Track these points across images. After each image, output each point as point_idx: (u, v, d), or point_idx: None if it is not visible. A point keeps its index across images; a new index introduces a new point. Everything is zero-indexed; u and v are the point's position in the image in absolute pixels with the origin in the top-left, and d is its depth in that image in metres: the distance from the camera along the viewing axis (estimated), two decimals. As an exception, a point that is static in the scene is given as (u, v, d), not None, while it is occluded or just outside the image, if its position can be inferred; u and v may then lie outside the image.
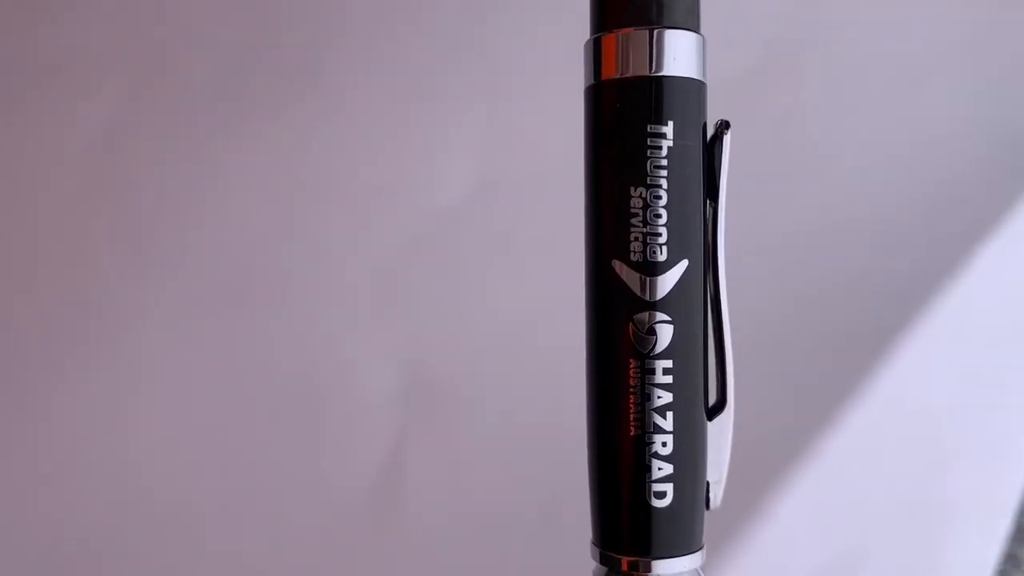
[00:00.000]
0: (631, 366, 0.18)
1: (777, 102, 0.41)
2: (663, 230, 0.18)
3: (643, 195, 0.18)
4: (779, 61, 0.41)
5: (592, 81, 0.19)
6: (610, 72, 0.19)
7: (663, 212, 0.18)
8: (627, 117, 0.18)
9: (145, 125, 0.39)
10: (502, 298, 0.40)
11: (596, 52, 0.19)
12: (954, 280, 0.43)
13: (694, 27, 0.19)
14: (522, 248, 0.40)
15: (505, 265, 0.40)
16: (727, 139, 0.19)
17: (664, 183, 0.19)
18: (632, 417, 0.18)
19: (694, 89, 0.19)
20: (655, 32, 0.19)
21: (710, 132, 0.19)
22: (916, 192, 0.43)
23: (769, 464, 0.42)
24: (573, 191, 0.41)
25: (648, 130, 0.18)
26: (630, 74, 0.19)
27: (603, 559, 0.19)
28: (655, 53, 0.19)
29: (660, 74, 0.19)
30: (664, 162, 0.19)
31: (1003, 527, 0.46)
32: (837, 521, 0.43)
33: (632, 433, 0.18)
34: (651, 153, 0.18)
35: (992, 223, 0.43)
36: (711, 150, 0.19)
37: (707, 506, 0.19)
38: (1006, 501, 0.45)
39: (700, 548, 0.19)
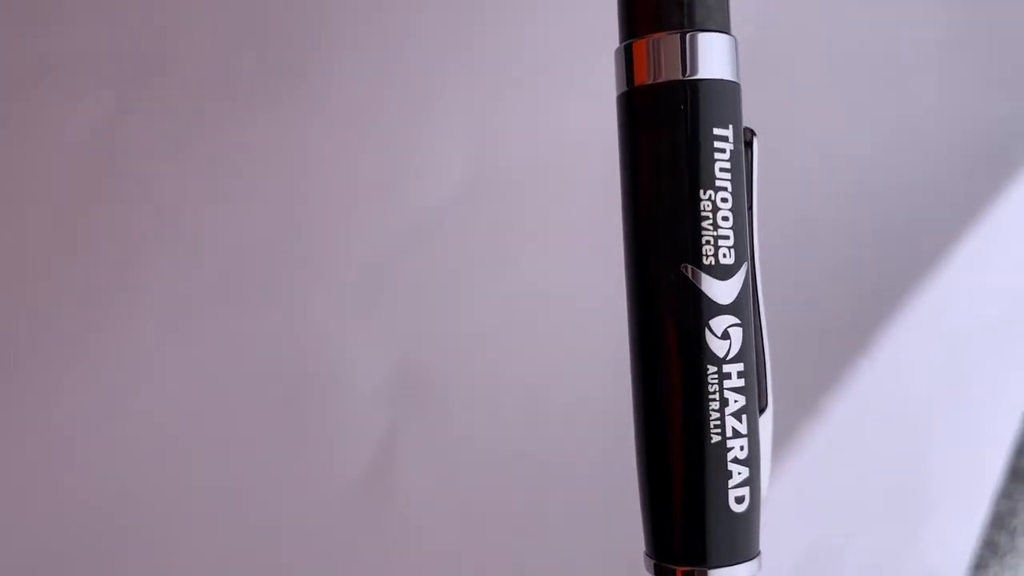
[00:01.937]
0: (709, 372, 0.18)
1: (758, 102, 0.41)
2: (730, 233, 0.18)
3: (712, 198, 0.18)
4: (760, 61, 0.41)
5: (625, 88, 0.19)
6: (671, 74, 0.19)
7: (730, 215, 0.18)
8: (695, 119, 0.18)
9: (137, 123, 0.38)
10: (493, 293, 0.40)
11: (657, 54, 0.19)
12: (932, 274, 0.44)
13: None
14: (513, 243, 0.40)
15: (496, 260, 0.40)
16: (756, 146, 0.20)
17: (729, 186, 0.18)
18: (712, 424, 0.18)
19: (738, 93, 0.19)
20: (728, 38, 0.19)
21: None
22: (897, 188, 0.44)
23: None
24: (566, 184, 0.41)
25: (715, 133, 0.18)
26: (699, 76, 0.19)
27: (679, 573, 0.19)
28: (729, 57, 0.19)
29: (727, 78, 0.19)
30: (728, 165, 0.18)
31: (981, 514, 0.47)
32: (818, 510, 0.44)
33: (713, 440, 0.18)
34: (718, 156, 0.18)
35: (972, 218, 0.44)
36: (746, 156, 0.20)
37: None
38: (984, 488, 0.47)
39: (759, 553, 0.19)
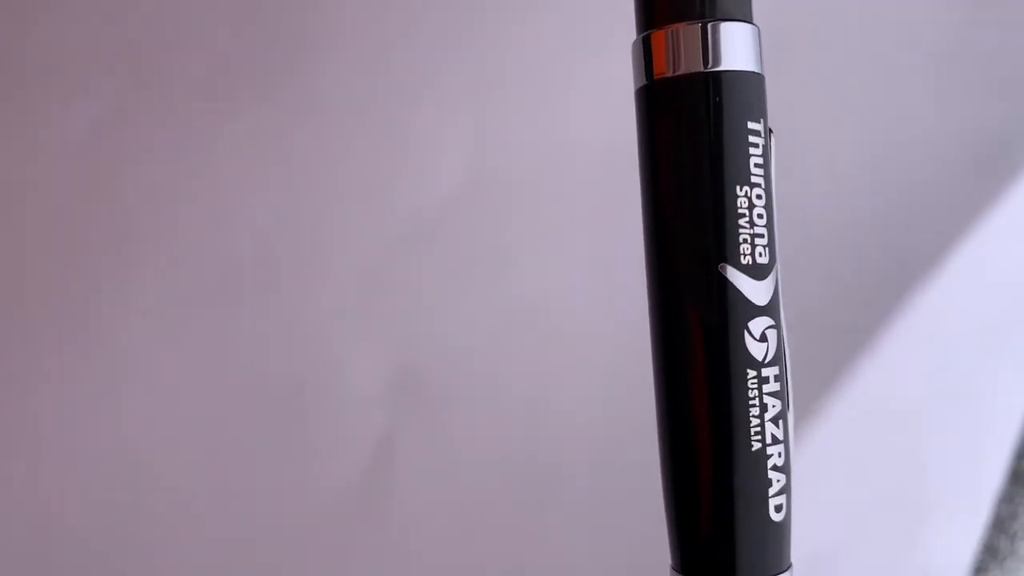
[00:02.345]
0: (749, 376, 0.17)
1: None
2: (765, 231, 0.18)
3: (748, 194, 0.17)
4: None
5: (645, 81, 0.18)
6: (692, 66, 0.18)
7: (764, 212, 0.18)
8: (729, 113, 0.17)
9: (133, 123, 0.38)
10: (492, 294, 0.40)
11: (677, 45, 0.18)
12: (932, 276, 0.44)
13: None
14: (512, 244, 0.40)
15: (495, 261, 0.40)
16: (773, 144, 0.19)
17: (763, 182, 0.18)
18: (752, 431, 0.17)
19: (764, 85, 0.18)
20: (750, 26, 0.18)
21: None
22: (892, 193, 0.43)
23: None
24: (564, 184, 0.41)
25: (749, 127, 0.18)
26: (726, 67, 0.18)
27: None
28: (753, 47, 0.18)
29: (752, 69, 0.18)
30: (761, 160, 0.18)
31: (981, 518, 0.46)
32: (818, 513, 0.43)
33: (753, 447, 0.17)
34: (752, 151, 0.18)
35: (971, 220, 0.44)
36: None
37: None
38: (984, 492, 0.46)
39: (791, 565, 0.18)
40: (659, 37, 0.18)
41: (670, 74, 0.18)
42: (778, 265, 0.19)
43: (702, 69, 0.18)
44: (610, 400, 0.40)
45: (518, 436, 0.40)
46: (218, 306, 0.38)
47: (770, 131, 0.20)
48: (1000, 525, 0.47)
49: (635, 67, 0.19)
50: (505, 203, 0.40)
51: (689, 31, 0.18)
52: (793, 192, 0.42)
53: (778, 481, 0.17)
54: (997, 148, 0.44)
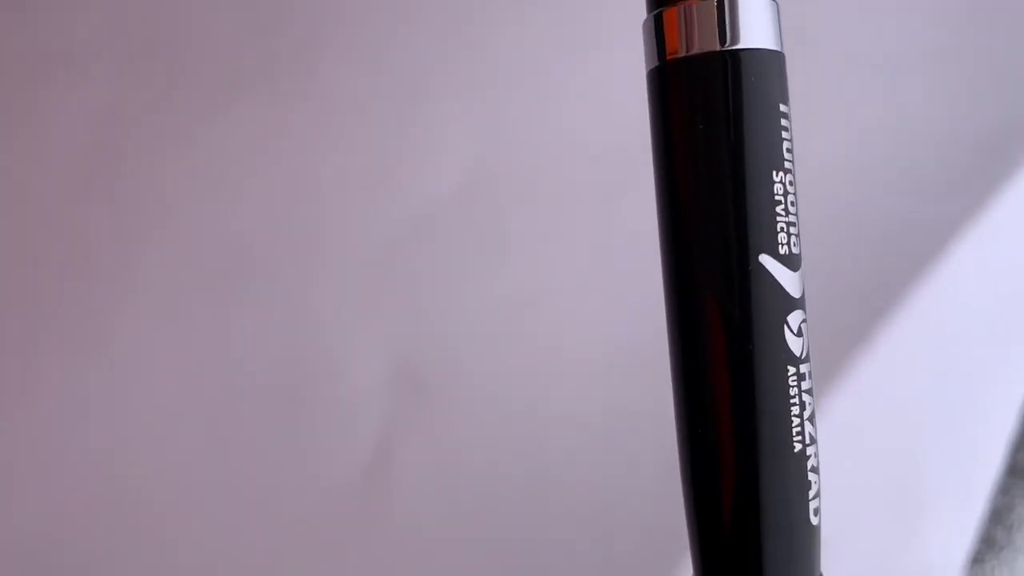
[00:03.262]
0: (790, 374, 0.16)
1: None
2: (796, 219, 0.17)
3: (783, 180, 0.16)
4: None
5: (698, 50, 0.17)
6: (711, 44, 0.17)
7: (795, 199, 0.17)
8: (762, 93, 0.16)
9: (133, 119, 0.38)
10: (492, 292, 0.39)
11: (689, 22, 0.17)
12: (930, 271, 0.43)
13: None
14: (511, 242, 0.40)
15: (495, 259, 0.40)
16: None
17: (793, 167, 0.17)
18: (794, 431, 0.16)
19: (785, 65, 0.17)
20: (769, 1, 0.17)
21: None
22: (892, 189, 0.43)
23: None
24: (566, 180, 0.40)
25: (781, 109, 0.17)
26: (746, 46, 0.17)
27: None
28: (772, 24, 0.17)
29: (773, 47, 0.17)
30: (791, 145, 0.17)
31: (978, 509, 0.46)
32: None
33: (795, 449, 0.16)
34: (784, 135, 0.17)
35: (968, 219, 0.44)
36: None
37: None
38: (981, 484, 0.46)
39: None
40: (671, 15, 0.17)
41: (683, 54, 0.17)
42: None
43: (718, 48, 0.17)
44: (611, 398, 0.40)
45: (518, 434, 0.39)
46: (216, 304, 0.38)
47: None
48: (997, 516, 0.46)
49: (646, 48, 0.18)
50: (506, 200, 0.40)
51: (704, 7, 0.17)
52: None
53: (815, 483, 0.16)
54: (999, 145, 0.44)
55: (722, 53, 0.17)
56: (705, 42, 0.17)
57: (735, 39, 0.17)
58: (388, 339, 0.39)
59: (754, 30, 0.17)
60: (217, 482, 0.38)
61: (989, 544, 0.47)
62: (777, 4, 0.18)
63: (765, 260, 0.16)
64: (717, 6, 0.17)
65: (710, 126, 0.17)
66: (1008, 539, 0.47)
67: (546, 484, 0.40)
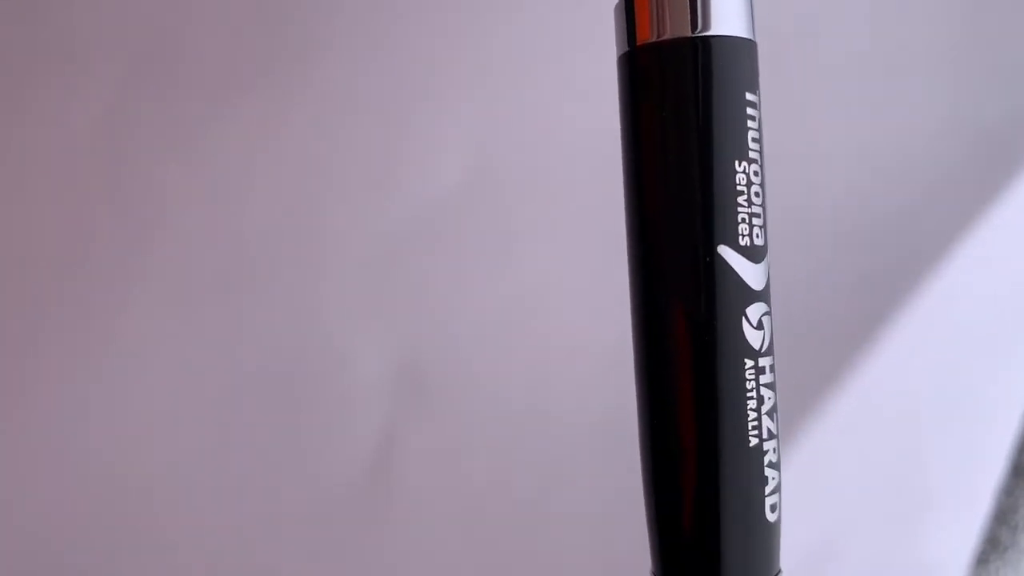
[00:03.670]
0: (747, 367, 0.16)
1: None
2: (761, 210, 0.16)
3: (746, 170, 0.16)
4: (760, 60, 0.40)
5: (627, 47, 0.17)
6: (684, 30, 0.16)
7: (760, 190, 0.16)
8: (725, 81, 0.16)
9: (139, 114, 0.38)
10: (494, 290, 0.39)
11: (660, 7, 0.17)
12: (934, 271, 0.43)
13: None
14: (514, 240, 0.39)
15: (497, 257, 0.39)
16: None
17: (759, 158, 0.16)
18: (750, 425, 0.16)
19: (756, 53, 0.17)
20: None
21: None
22: (896, 188, 0.43)
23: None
24: (569, 176, 0.40)
25: (747, 97, 0.16)
26: (717, 32, 0.16)
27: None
28: (745, 12, 0.17)
29: (744, 35, 0.16)
30: (757, 135, 0.16)
31: (982, 510, 0.46)
32: (819, 506, 0.43)
33: (751, 443, 0.16)
34: (750, 124, 0.16)
35: (970, 221, 0.43)
36: None
37: None
38: (985, 484, 0.46)
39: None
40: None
41: (654, 39, 0.16)
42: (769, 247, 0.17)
43: (689, 34, 0.16)
44: (612, 398, 0.40)
45: (520, 433, 0.39)
46: (219, 303, 0.38)
47: None
48: (1002, 517, 0.46)
49: (617, 32, 0.17)
50: (509, 199, 0.39)
51: None
52: (795, 190, 0.42)
53: (772, 479, 0.16)
54: (1002, 145, 0.44)
55: (692, 40, 0.16)
56: (676, 28, 0.16)
57: (706, 25, 0.16)
58: (390, 338, 0.39)
59: (726, 17, 0.16)
60: (219, 481, 0.38)
61: (993, 544, 0.46)
62: None
63: (724, 251, 0.16)
64: None
65: (672, 114, 0.16)
66: (1012, 539, 0.46)
67: (548, 483, 0.40)
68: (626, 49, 0.17)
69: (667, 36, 0.16)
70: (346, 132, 0.39)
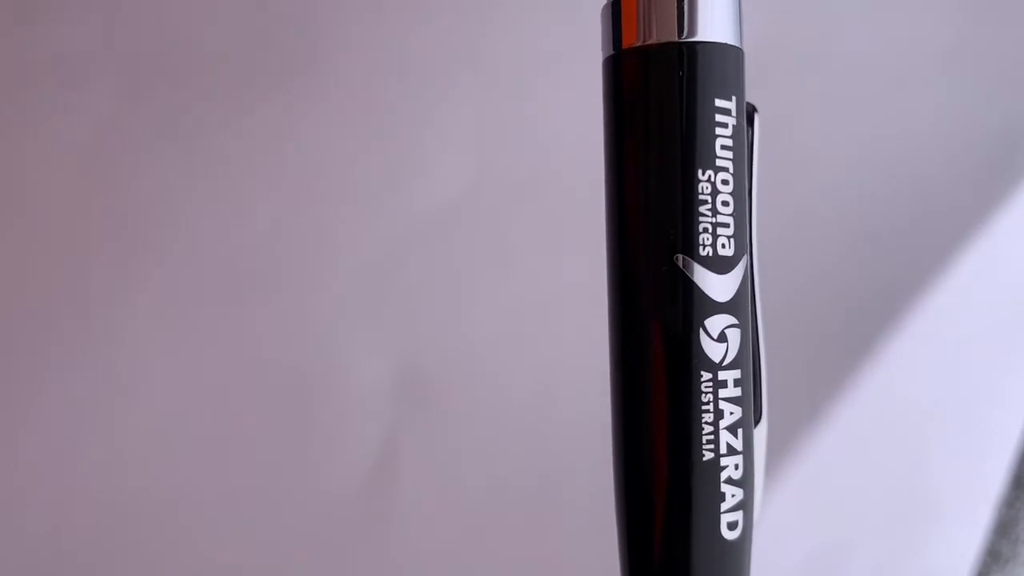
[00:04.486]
0: (703, 379, 0.16)
1: (759, 106, 0.40)
2: (730, 220, 0.16)
3: (711, 179, 0.16)
4: (761, 66, 0.40)
5: (612, 51, 0.17)
6: (665, 35, 0.16)
7: (730, 200, 0.16)
8: (694, 88, 0.16)
9: (137, 121, 0.38)
10: (495, 296, 0.39)
11: (616, 15, 0.16)
12: (936, 279, 0.43)
13: None
14: (516, 245, 0.39)
15: (499, 262, 0.39)
16: (757, 124, 0.17)
17: (730, 166, 0.16)
18: (704, 439, 0.16)
19: (742, 61, 0.17)
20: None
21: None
22: (900, 193, 0.42)
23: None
24: (571, 184, 0.39)
25: (716, 104, 0.16)
26: (697, 38, 0.16)
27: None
28: (732, 17, 0.16)
29: (729, 42, 0.16)
30: (730, 142, 0.16)
31: (983, 522, 0.45)
32: (821, 516, 0.43)
33: (705, 457, 0.16)
34: (719, 131, 0.16)
35: (974, 225, 0.43)
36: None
37: None
38: (986, 496, 0.45)
39: None
40: (630, 3, 0.16)
41: (639, 44, 0.16)
42: (751, 260, 0.17)
43: (676, 39, 0.16)
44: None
45: (522, 439, 0.39)
46: (219, 308, 0.38)
47: (754, 108, 0.18)
48: (1003, 529, 0.45)
49: (603, 36, 0.17)
50: (511, 203, 0.39)
51: None
52: (798, 193, 0.41)
53: (733, 496, 0.16)
54: (1004, 151, 0.43)
55: (677, 44, 0.16)
56: (663, 33, 0.16)
57: (692, 31, 0.16)
58: (392, 344, 0.39)
59: (712, 23, 0.16)
60: (220, 486, 0.38)
61: (995, 557, 0.46)
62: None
63: (682, 261, 0.16)
64: None
65: (630, 120, 0.16)
66: (1013, 552, 0.46)
67: (549, 489, 0.39)
68: (611, 52, 0.17)
69: (653, 41, 0.16)
70: (348, 138, 0.39)
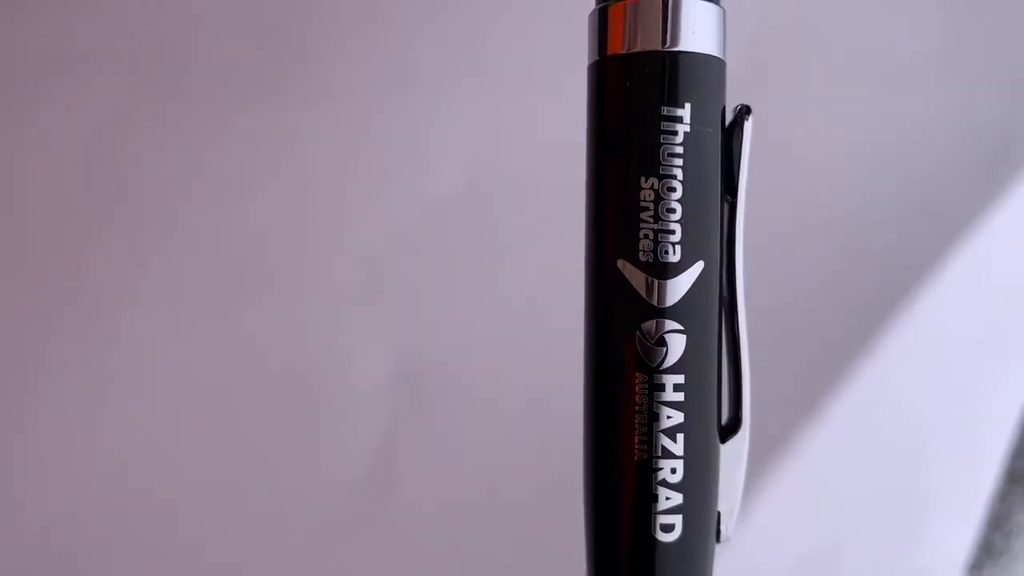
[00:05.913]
0: (636, 381, 0.16)
1: (754, 105, 0.40)
2: (677, 227, 0.16)
3: (655, 187, 0.16)
4: (757, 65, 0.40)
5: (596, 57, 0.17)
6: (616, 47, 0.17)
7: (677, 207, 0.16)
8: (638, 97, 0.16)
9: (139, 121, 0.38)
10: (493, 293, 0.39)
11: (602, 24, 0.17)
12: (930, 278, 0.42)
13: None
14: (514, 240, 0.39)
15: (496, 261, 0.39)
16: (748, 126, 0.17)
17: (679, 173, 0.16)
18: (637, 439, 0.16)
19: (714, 68, 0.17)
20: (670, 1, 0.16)
21: (728, 117, 0.17)
22: (894, 193, 0.42)
23: (749, 458, 0.41)
24: (566, 183, 0.39)
25: (663, 112, 0.16)
26: (639, 48, 0.16)
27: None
28: (670, 25, 0.16)
29: (676, 49, 0.16)
30: (679, 150, 0.16)
31: (977, 516, 0.45)
32: (815, 513, 0.43)
33: (636, 457, 0.16)
34: (664, 139, 0.16)
35: (969, 224, 0.42)
36: (729, 138, 0.17)
37: (717, 539, 0.17)
38: (980, 490, 0.45)
39: None
40: (617, 10, 0.17)
41: (624, 51, 0.16)
42: (708, 266, 0.17)
43: (661, 48, 0.16)
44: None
45: (520, 436, 0.39)
46: (218, 306, 0.38)
47: (747, 110, 0.18)
48: (996, 523, 0.45)
49: (589, 42, 0.17)
50: (508, 203, 0.40)
51: (649, 5, 0.16)
52: (793, 193, 0.41)
53: (667, 499, 0.16)
54: (1000, 151, 0.42)
55: (660, 53, 0.16)
56: (647, 41, 0.16)
57: (675, 41, 0.16)
58: (390, 342, 0.39)
59: (696, 34, 0.16)
60: (219, 484, 0.38)
61: (988, 550, 0.46)
62: (724, 9, 0.17)
63: (623, 265, 0.16)
64: (663, 5, 0.16)
65: (599, 127, 0.17)
66: (1007, 545, 0.46)
67: (548, 486, 0.39)
68: (596, 59, 0.17)
69: (622, 50, 0.16)
70: (347, 138, 0.39)
